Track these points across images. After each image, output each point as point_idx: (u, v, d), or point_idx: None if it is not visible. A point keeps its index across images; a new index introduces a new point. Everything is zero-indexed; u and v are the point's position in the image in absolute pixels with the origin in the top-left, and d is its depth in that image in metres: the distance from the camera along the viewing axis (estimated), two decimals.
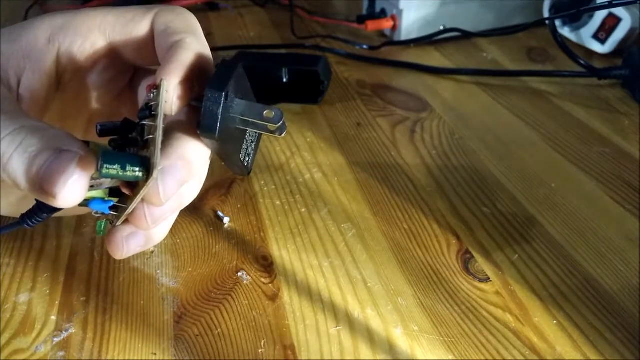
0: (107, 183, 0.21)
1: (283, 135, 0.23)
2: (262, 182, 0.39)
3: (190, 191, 0.24)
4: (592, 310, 0.29)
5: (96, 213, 0.22)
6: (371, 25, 0.61)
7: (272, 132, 0.23)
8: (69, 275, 0.31)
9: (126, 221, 0.22)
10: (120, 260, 0.32)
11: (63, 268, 0.32)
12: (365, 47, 0.60)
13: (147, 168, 0.20)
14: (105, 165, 0.19)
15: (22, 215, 0.22)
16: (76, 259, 0.32)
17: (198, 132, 0.22)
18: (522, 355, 0.27)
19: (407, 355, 0.27)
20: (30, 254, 0.33)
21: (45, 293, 0.30)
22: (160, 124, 0.20)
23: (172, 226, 0.35)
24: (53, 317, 0.29)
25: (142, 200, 0.21)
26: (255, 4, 0.75)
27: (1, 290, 0.30)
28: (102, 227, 0.23)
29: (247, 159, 0.26)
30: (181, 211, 0.37)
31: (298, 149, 0.43)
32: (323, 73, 0.48)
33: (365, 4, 0.65)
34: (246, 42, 0.63)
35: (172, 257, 0.33)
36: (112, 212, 0.22)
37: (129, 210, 0.21)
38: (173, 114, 0.22)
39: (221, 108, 0.21)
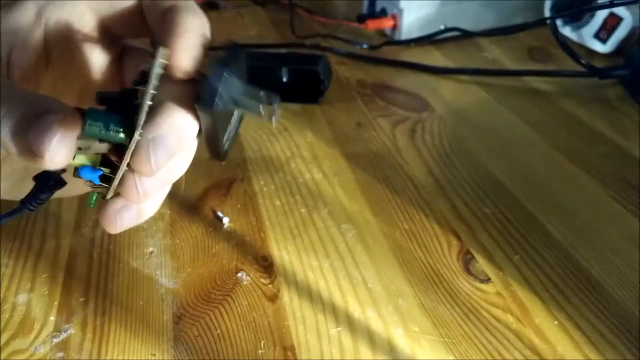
0: (96, 148, 0.21)
1: (274, 122, 0.24)
2: (262, 183, 0.39)
3: (179, 165, 0.24)
4: (593, 310, 0.29)
5: (87, 183, 0.22)
6: (372, 25, 0.61)
7: (266, 118, 0.23)
8: (67, 275, 0.31)
9: (118, 195, 0.22)
10: (119, 261, 0.32)
11: (62, 269, 0.32)
12: (365, 46, 0.60)
13: (132, 130, 0.20)
14: (88, 122, 0.19)
15: (22, 201, 0.22)
16: (75, 260, 0.32)
17: (196, 105, 0.22)
18: (523, 356, 0.26)
19: (408, 356, 0.27)
20: (29, 254, 0.33)
21: (44, 294, 0.30)
22: (149, 88, 0.20)
23: (171, 226, 0.35)
24: (52, 318, 0.29)
25: (133, 171, 0.21)
26: (256, 3, 0.75)
27: (0, 291, 0.30)
28: (93, 199, 0.23)
29: (227, 144, 0.27)
30: (180, 211, 0.37)
31: (298, 149, 0.43)
32: (323, 72, 0.48)
33: (366, 3, 0.65)
34: (246, 41, 0.63)
35: (171, 257, 0.32)
36: (102, 184, 0.22)
37: (117, 178, 0.21)
38: (178, 75, 0.22)
39: (222, 83, 0.21)
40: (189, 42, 0.22)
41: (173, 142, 0.21)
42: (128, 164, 0.21)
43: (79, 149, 0.20)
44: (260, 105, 0.23)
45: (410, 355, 0.27)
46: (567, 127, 0.45)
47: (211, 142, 0.26)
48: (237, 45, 0.23)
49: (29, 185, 0.22)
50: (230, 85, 0.23)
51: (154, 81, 0.20)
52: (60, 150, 0.19)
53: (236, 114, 0.28)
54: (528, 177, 0.39)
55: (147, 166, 0.21)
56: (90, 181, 0.22)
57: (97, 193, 0.23)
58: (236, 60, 0.23)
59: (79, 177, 0.21)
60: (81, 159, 0.21)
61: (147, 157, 0.20)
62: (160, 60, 0.21)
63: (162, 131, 0.21)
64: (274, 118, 0.23)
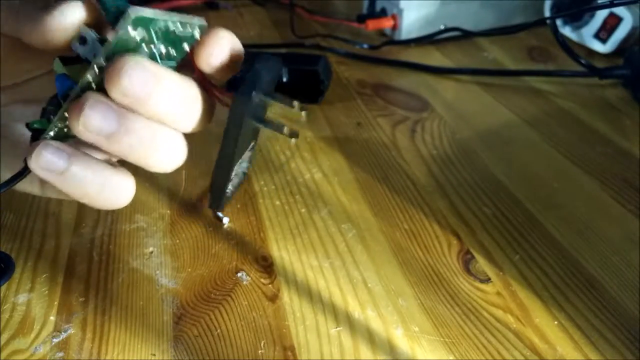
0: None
1: (294, 140, 0.24)
2: (262, 182, 0.39)
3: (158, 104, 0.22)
4: (593, 310, 0.29)
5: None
6: (371, 25, 0.61)
7: (287, 133, 0.23)
8: (67, 275, 0.31)
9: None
10: (119, 261, 0.32)
11: (62, 268, 0.32)
12: (365, 46, 0.60)
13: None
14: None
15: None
16: (75, 260, 0.32)
17: (233, 91, 0.22)
18: (522, 356, 0.26)
19: (408, 356, 0.27)
20: (29, 254, 0.33)
21: (44, 294, 0.30)
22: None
23: (171, 226, 0.35)
24: (52, 318, 0.29)
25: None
26: (255, 3, 0.75)
27: (0, 291, 0.30)
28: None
29: (231, 188, 0.27)
30: (180, 211, 0.37)
31: (298, 149, 0.43)
32: (323, 72, 0.48)
33: (366, 3, 0.65)
34: (246, 41, 0.63)
35: (171, 257, 0.32)
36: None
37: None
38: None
39: (266, 75, 0.22)
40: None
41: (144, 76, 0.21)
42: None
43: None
44: (285, 127, 0.23)
45: (410, 355, 0.27)
46: (568, 127, 0.45)
47: (224, 162, 0.25)
48: (273, 56, 0.24)
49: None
50: (267, 83, 0.23)
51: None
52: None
53: (248, 156, 0.28)
54: (528, 177, 0.39)
55: (114, 80, 0.20)
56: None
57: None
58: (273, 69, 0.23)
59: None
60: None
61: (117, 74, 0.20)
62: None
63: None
64: (293, 139, 0.23)
